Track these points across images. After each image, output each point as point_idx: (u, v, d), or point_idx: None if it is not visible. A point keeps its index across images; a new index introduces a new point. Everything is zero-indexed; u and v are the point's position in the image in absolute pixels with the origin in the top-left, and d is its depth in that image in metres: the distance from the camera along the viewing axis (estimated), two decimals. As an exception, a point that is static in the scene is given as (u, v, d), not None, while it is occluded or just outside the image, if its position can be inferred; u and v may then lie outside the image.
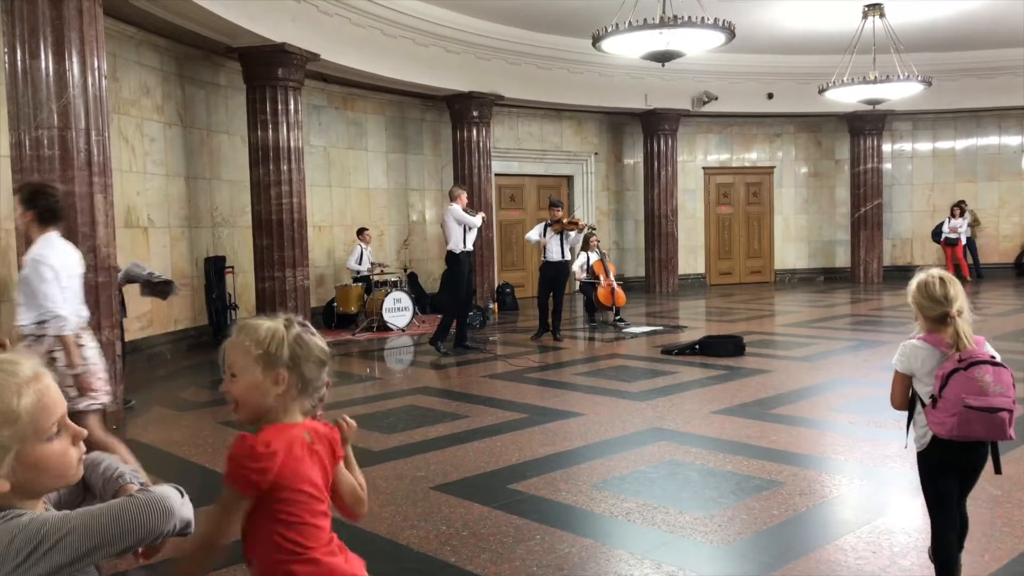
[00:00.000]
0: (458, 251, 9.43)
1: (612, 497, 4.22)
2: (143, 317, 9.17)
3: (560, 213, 10.29)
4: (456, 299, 9.61)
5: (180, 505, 1.58)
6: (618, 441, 5.33)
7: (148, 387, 7.80)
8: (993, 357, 2.83)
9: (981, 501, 3.99)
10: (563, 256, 10.26)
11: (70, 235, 5.67)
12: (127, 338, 8.75)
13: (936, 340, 2.88)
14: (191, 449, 5.48)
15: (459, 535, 3.76)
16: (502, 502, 4.18)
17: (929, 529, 3.02)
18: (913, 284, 2.97)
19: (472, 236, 9.56)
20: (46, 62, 5.59)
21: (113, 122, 8.70)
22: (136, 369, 8.70)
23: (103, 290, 5.88)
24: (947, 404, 2.78)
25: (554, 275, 10.24)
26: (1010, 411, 2.77)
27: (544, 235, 10.26)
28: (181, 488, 1.62)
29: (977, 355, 2.81)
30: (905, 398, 3.00)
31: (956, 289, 2.90)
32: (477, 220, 9.51)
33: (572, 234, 10.32)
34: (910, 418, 3.01)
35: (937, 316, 2.88)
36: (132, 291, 8.81)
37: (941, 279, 2.92)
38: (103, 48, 5.94)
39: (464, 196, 9.67)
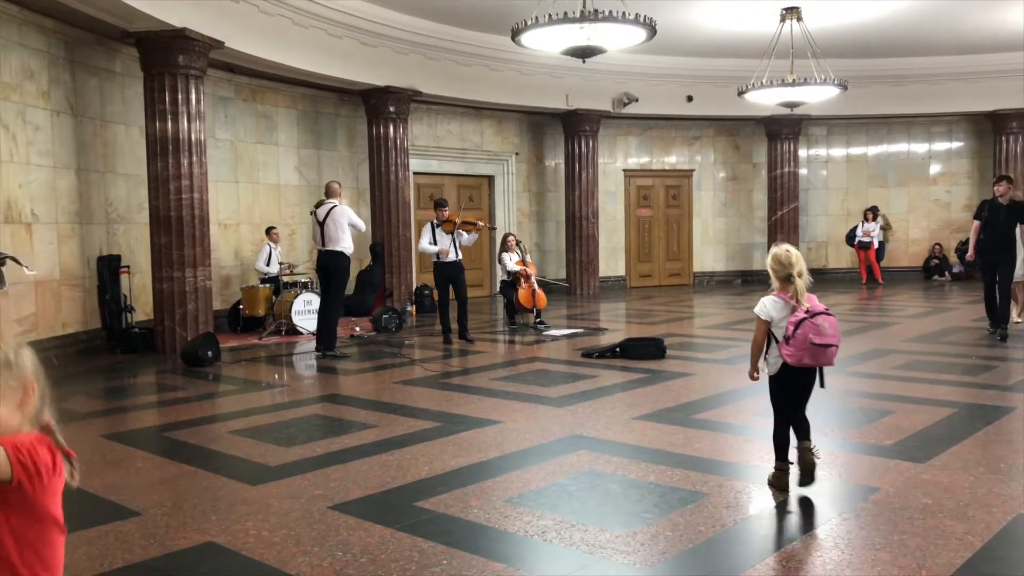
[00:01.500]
0: (350, 252, 9.18)
1: (527, 513, 3.89)
2: (26, 320, 8.46)
3: (447, 213, 9.91)
4: (339, 300, 9.32)
5: None
6: (535, 451, 5.01)
7: (26, 396, 7.12)
8: (827, 310, 4.01)
9: (912, 511, 3.81)
10: (457, 255, 9.88)
11: (-76, 228, 5.07)
12: (7, 343, 8.05)
13: (784, 295, 4.05)
14: (64, 466, 4.92)
15: (356, 562, 3.37)
16: (407, 523, 3.80)
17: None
18: (770, 254, 4.14)
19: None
20: None
21: (-10, 108, 8.01)
22: (16, 377, 8.00)
23: (-35, 290, 5.26)
24: (797, 342, 3.95)
25: (451, 275, 9.85)
26: (837, 346, 4.02)
27: (434, 240, 9.75)
28: None
29: (817, 308, 3.99)
30: (764, 338, 4.16)
31: (797, 258, 4.06)
32: (363, 224, 9.57)
33: (465, 235, 9.97)
34: (764, 353, 4.20)
35: (784, 276, 4.05)
36: (18, 290, 8.13)
37: (787, 250, 4.10)
38: (-34, 20, 5.33)
39: (339, 190, 9.45)
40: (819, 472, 4.48)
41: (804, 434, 4.18)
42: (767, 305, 4.11)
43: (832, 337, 3.95)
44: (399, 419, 5.96)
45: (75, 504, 4.25)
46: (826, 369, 4.14)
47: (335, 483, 4.44)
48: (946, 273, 17.62)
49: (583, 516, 3.85)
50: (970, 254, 9.55)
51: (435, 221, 9.84)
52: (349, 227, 9.10)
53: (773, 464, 4.24)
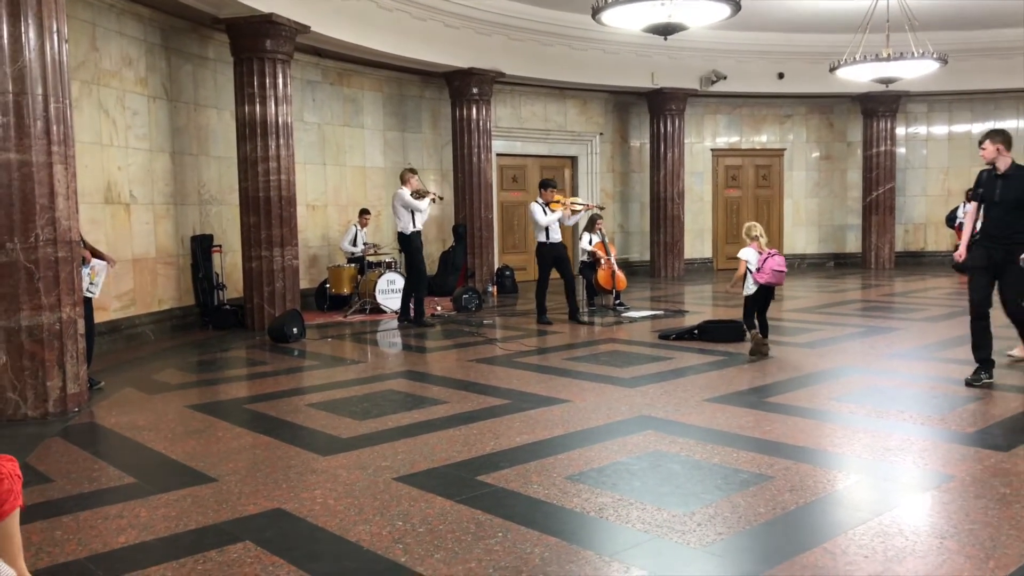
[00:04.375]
0: (408, 232, 9.69)
1: (587, 491, 3.90)
2: (124, 296, 8.90)
3: (554, 193, 9.92)
4: (415, 277, 9.90)
5: None
6: (601, 430, 5.01)
7: (123, 368, 7.52)
8: (778, 252, 7.27)
9: (988, 500, 3.66)
10: (560, 236, 9.95)
11: (26, 206, 5.40)
12: (108, 317, 8.51)
13: (756, 247, 7.23)
14: (151, 434, 5.19)
15: (415, 531, 3.46)
16: (467, 495, 3.87)
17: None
18: (745, 225, 7.45)
19: (422, 217, 9.88)
20: (-1, 24, 5.27)
21: (92, 94, 8.44)
22: (116, 349, 8.46)
23: (63, 265, 5.58)
24: (766, 270, 7.11)
25: (557, 256, 9.89)
26: (785, 272, 7.26)
27: (546, 214, 9.78)
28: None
29: (773, 251, 7.21)
30: (744, 272, 7.24)
31: (760, 228, 7.31)
32: (422, 205, 9.72)
33: (571, 216, 10.06)
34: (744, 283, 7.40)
35: (753, 237, 7.23)
36: (117, 268, 8.56)
37: (755, 224, 7.39)
38: (63, 10, 5.61)
39: (414, 179, 9.85)
40: (891, 457, 4.39)
41: (766, 332, 7.37)
42: (748, 252, 7.26)
43: (783, 266, 7.22)
44: (471, 396, 6.04)
45: (158, 469, 4.51)
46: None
47: (402, 456, 4.55)
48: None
49: (642, 495, 3.84)
50: (960, 251, 6.37)
51: (541, 200, 9.85)
52: (404, 208, 9.68)
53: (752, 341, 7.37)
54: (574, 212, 10.12)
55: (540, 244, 9.94)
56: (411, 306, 9.94)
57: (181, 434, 5.18)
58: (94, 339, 6.69)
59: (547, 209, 9.80)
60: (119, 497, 3.99)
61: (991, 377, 6.03)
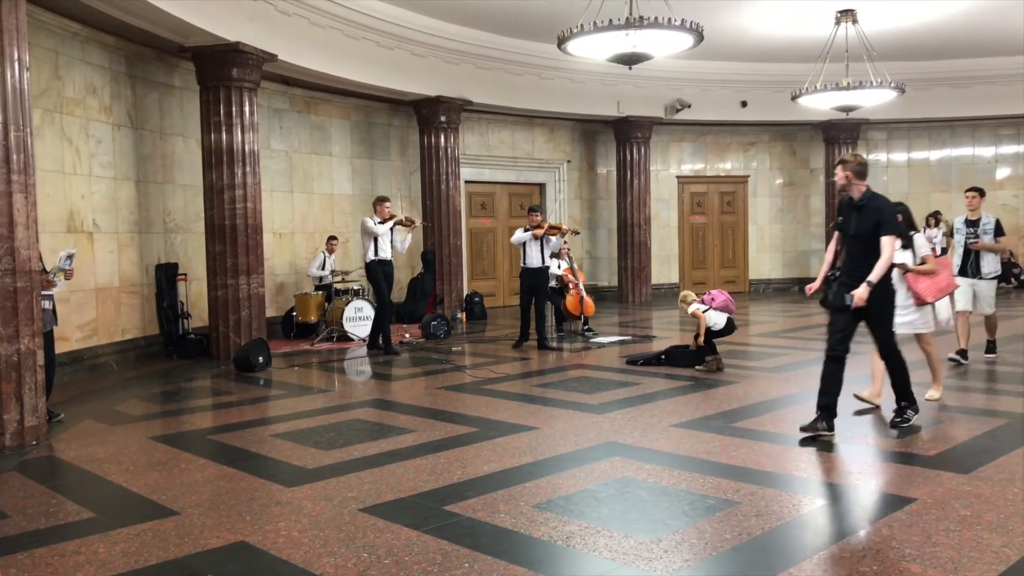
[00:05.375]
0: (368, 260, 9.67)
1: (554, 519, 3.89)
2: (87, 326, 8.76)
3: (538, 218, 9.99)
4: (379, 305, 9.91)
5: None
6: (569, 457, 5.00)
7: (85, 400, 7.39)
8: (723, 292, 8.42)
9: (950, 522, 3.71)
10: (543, 262, 9.96)
11: (-15, 237, 5.31)
12: (69, 348, 8.37)
13: (699, 300, 8.29)
14: (112, 467, 5.09)
15: (380, 563, 3.42)
16: (434, 525, 3.84)
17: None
18: (680, 296, 8.57)
19: (401, 244, 9.92)
20: (-41, 52, 5.21)
21: (55, 122, 8.36)
22: (77, 380, 8.31)
23: (22, 296, 5.49)
24: (718, 302, 8.16)
25: (533, 281, 9.93)
26: (733, 301, 8.37)
27: (524, 246, 9.87)
28: None
29: (716, 292, 8.40)
30: (703, 321, 7.99)
31: (693, 295, 8.43)
32: (380, 229, 9.61)
33: (553, 239, 10.03)
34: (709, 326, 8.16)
35: (689, 303, 8.26)
36: (79, 298, 8.45)
37: (688, 293, 8.49)
38: (24, 38, 5.56)
39: (382, 208, 9.76)
40: (855, 481, 4.43)
41: (715, 351, 8.08)
42: (697, 305, 8.15)
43: (729, 296, 8.35)
44: (438, 424, 6.01)
45: (118, 503, 4.43)
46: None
47: (368, 486, 4.51)
48: (1011, 280, 16.99)
49: (609, 522, 3.83)
50: (814, 283, 5.83)
51: (528, 226, 9.91)
52: (365, 235, 9.67)
53: (707, 361, 8.03)
54: (551, 236, 9.97)
55: (521, 268, 10.06)
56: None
57: (143, 466, 5.09)
58: (54, 370, 6.56)
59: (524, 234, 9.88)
60: (77, 533, 3.91)
61: (830, 430, 5.21)
